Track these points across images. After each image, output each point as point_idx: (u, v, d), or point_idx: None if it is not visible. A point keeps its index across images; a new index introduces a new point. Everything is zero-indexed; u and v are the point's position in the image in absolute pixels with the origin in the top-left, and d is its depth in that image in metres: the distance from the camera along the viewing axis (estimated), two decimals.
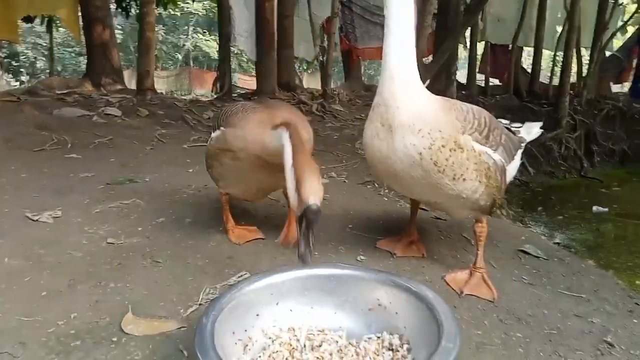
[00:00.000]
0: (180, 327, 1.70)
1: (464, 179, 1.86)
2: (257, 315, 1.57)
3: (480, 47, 11.65)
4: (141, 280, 2.03)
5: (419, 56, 8.93)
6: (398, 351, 1.46)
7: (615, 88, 14.35)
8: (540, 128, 2.56)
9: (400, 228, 2.68)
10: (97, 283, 1.99)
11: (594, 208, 7.11)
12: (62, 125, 5.35)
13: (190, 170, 3.92)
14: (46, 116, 5.59)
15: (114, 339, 1.63)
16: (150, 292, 1.94)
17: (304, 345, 1.50)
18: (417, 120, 1.79)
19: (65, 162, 4.09)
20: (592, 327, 1.90)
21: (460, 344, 1.27)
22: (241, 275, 2.07)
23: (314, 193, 1.55)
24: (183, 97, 10.64)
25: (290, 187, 1.66)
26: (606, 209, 6.98)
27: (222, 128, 2.20)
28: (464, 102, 2.02)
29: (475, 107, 2.02)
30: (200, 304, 1.85)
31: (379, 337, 1.52)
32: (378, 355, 1.45)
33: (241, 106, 2.21)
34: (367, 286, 1.62)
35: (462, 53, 13.90)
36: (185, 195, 3.17)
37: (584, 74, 11.20)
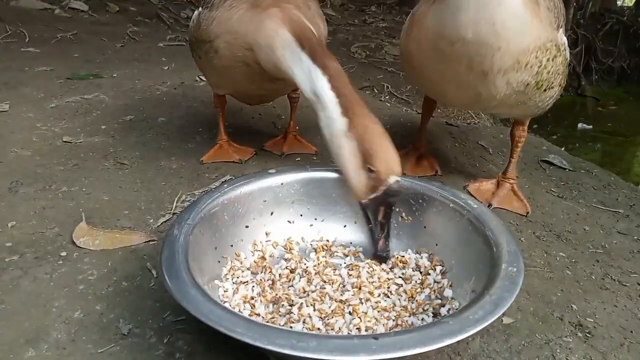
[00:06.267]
0: (149, 241, 1.35)
1: (552, 87, 1.47)
2: (247, 227, 1.22)
3: None
4: (102, 184, 1.65)
5: None
6: (429, 274, 1.13)
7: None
8: None
9: (410, 134, 2.31)
10: (46, 186, 1.61)
11: (579, 125, 7.20)
12: (19, 17, 4.71)
13: (166, 68, 3.42)
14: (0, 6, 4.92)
15: (63, 254, 1.28)
16: (113, 198, 1.57)
17: (305, 266, 1.16)
18: (522, 55, 1.31)
19: (20, 55, 3.55)
20: None
21: (524, 268, 0.94)
22: (225, 182, 1.71)
23: (393, 167, 1.13)
24: None
25: (347, 160, 1.18)
26: (590, 127, 7.08)
27: (199, 8, 1.70)
28: None
29: None
30: (174, 213, 1.49)
31: (403, 257, 1.19)
32: (405, 280, 1.13)
33: None
34: None
35: None
36: (159, 93, 2.72)
37: None
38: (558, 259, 1.45)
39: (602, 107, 8.67)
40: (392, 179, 1.12)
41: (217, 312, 0.79)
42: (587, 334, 1.09)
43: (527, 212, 1.70)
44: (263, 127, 2.32)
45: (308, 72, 1.28)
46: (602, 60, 10.52)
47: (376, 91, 3.53)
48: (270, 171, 1.29)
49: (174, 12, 6.21)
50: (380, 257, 1.18)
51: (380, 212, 1.15)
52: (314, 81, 1.26)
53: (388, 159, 1.13)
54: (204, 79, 2.88)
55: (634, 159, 6.41)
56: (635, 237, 1.68)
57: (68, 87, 2.71)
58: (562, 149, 2.76)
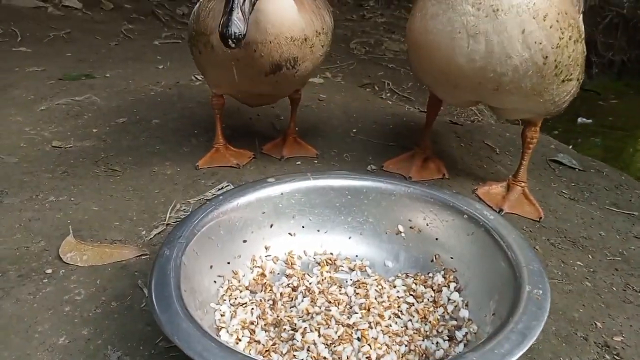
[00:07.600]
0: (141, 255, 1.27)
1: (570, 79, 1.37)
2: (245, 241, 1.13)
3: None
4: (91, 193, 1.57)
5: None
6: (440, 291, 1.05)
7: None
8: None
9: (412, 133, 2.23)
10: (32, 196, 1.53)
11: (579, 119, 7.14)
12: (11, 16, 4.62)
13: (161, 67, 3.33)
14: None
15: (48, 271, 1.19)
16: (103, 208, 1.48)
17: (309, 284, 1.08)
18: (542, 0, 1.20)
19: (11, 55, 3.45)
20: None
21: (550, 289, 0.86)
22: (222, 188, 1.62)
23: None
24: None
25: None
26: (590, 120, 7.05)
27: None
28: None
29: None
30: (168, 224, 1.41)
31: (417, 275, 1.10)
32: (416, 298, 1.04)
33: None
34: (395, 202, 1.18)
35: None
36: (153, 93, 2.62)
37: None
38: (576, 268, 1.37)
39: (602, 101, 8.61)
40: None
41: (211, 349, 0.71)
42: (615, 356, 1.01)
43: (540, 217, 1.62)
44: (261, 128, 2.23)
45: None
46: (602, 53, 10.44)
47: (377, 88, 3.43)
48: (269, 180, 1.21)
49: (169, 8, 6.10)
50: (224, 27, 1.12)
51: None
52: None
53: None
54: (201, 78, 2.79)
55: (636, 153, 6.35)
56: None
57: (59, 89, 2.61)
58: (570, 147, 2.69)
